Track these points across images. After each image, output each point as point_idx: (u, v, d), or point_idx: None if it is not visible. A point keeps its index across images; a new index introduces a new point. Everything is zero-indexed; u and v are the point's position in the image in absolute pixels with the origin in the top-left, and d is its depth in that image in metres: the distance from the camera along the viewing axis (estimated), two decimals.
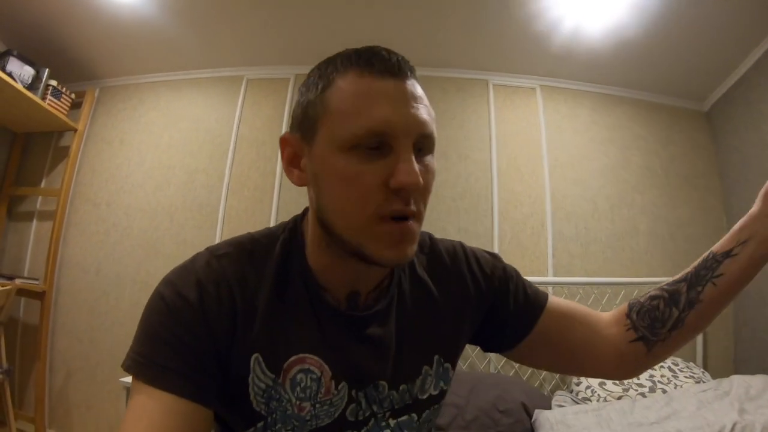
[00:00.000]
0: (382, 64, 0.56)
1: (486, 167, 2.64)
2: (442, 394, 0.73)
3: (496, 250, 2.49)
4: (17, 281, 2.41)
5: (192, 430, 0.53)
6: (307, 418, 0.62)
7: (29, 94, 2.51)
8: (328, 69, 0.59)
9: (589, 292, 2.40)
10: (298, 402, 0.61)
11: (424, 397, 0.70)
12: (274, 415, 0.61)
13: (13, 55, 2.47)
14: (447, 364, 0.72)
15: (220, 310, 0.58)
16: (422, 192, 0.57)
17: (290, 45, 2.61)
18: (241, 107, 2.83)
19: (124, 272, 2.69)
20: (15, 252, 2.91)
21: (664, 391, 1.92)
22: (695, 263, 0.68)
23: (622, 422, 1.63)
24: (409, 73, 0.57)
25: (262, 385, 0.60)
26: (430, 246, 0.77)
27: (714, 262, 0.66)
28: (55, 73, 2.73)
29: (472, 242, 2.28)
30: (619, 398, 1.93)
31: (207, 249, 0.64)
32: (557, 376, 2.32)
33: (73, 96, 2.86)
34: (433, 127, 0.58)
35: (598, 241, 2.57)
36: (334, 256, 0.62)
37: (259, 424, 0.61)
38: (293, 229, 0.69)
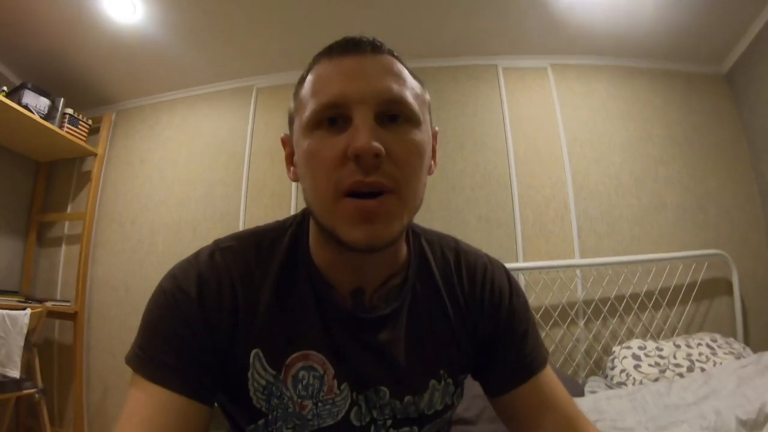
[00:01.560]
0: (342, 47, 0.56)
1: (503, 153, 2.58)
2: (447, 408, 0.68)
3: (519, 237, 2.42)
4: (48, 304, 2.44)
5: (186, 426, 0.51)
6: (309, 417, 0.60)
7: (47, 123, 2.56)
8: (307, 68, 0.61)
9: (618, 272, 2.30)
10: (299, 400, 0.60)
11: (430, 412, 0.66)
12: (275, 413, 0.59)
13: (28, 88, 2.52)
14: (449, 380, 0.67)
15: (220, 305, 0.57)
16: (397, 163, 0.52)
17: (295, 50, 2.60)
18: (253, 116, 2.84)
19: (151, 288, 2.60)
20: (47, 276, 2.97)
21: (703, 370, 1.82)
22: None
23: (659, 405, 1.54)
24: (369, 49, 0.56)
25: (263, 381, 0.59)
26: (456, 253, 0.72)
27: None
28: (71, 102, 2.80)
29: (494, 231, 2.25)
30: (656, 380, 1.82)
31: (214, 241, 0.64)
32: (591, 362, 2.23)
33: (90, 122, 2.92)
34: (406, 94, 0.55)
35: (625, 218, 2.47)
36: (333, 251, 0.60)
37: (260, 422, 0.60)
38: (301, 222, 0.67)
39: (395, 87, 0.54)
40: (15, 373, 2.01)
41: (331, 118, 0.53)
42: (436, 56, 2.63)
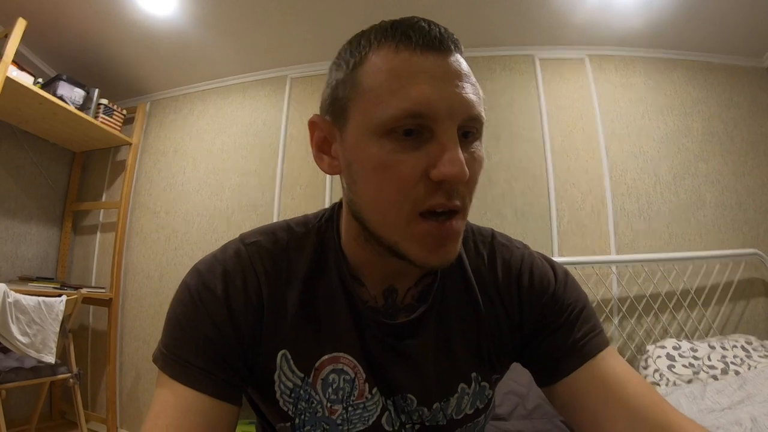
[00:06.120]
0: (421, 37, 0.47)
1: (539, 146, 2.45)
2: (478, 412, 0.62)
3: (554, 232, 2.31)
4: (84, 290, 2.43)
5: (213, 427, 0.49)
6: (339, 421, 0.56)
7: (82, 114, 2.54)
8: (360, 44, 0.51)
9: (654, 270, 2.19)
10: (329, 404, 0.56)
11: (459, 417, 0.61)
12: (302, 416, 0.56)
13: (63, 79, 2.50)
14: (484, 383, 0.61)
15: (246, 303, 0.54)
16: (468, 184, 0.48)
17: (329, 39, 2.50)
18: (287, 106, 2.77)
19: None
20: (82, 264, 2.96)
21: (737, 373, 1.72)
22: None
23: (692, 408, 1.46)
24: (452, 47, 0.48)
25: (290, 384, 0.55)
26: (490, 248, 0.65)
27: None
28: (106, 92, 2.77)
29: (530, 225, 2.11)
30: (689, 381, 1.74)
31: (239, 236, 0.60)
32: (625, 359, 2.09)
33: (124, 112, 2.89)
34: (481, 109, 0.49)
35: (662, 214, 2.34)
36: (372, 251, 0.55)
37: (287, 424, 0.57)
38: (330, 218, 0.62)
39: (476, 100, 0.48)
40: (50, 358, 2.00)
41: (410, 128, 0.46)
42: (471, 45, 2.51)
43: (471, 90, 0.47)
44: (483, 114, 0.49)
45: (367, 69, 0.48)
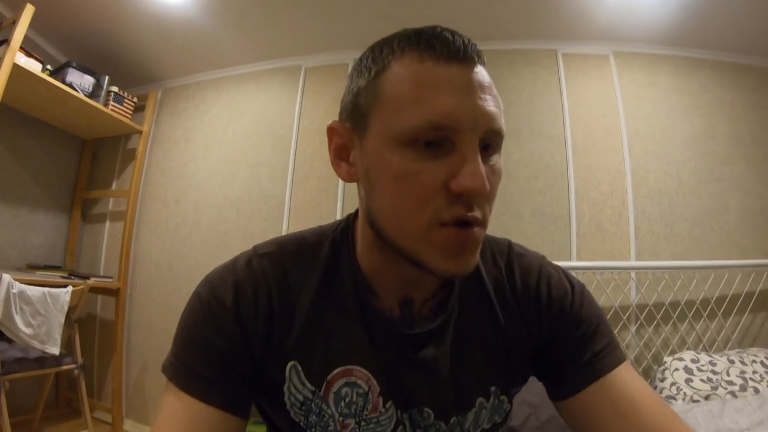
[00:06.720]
0: (445, 47, 0.46)
1: (560, 143, 2.37)
2: (495, 427, 0.61)
3: (574, 234, 2.23)
4: (91, 280, 2.41)
5: None
6: None
7: (91, 101, 2.50)
8: (382, 51, 0.50)
9: (675, 277, 2.11)
10: (341, 418, 0.55)
11: None
12: (313, 430, 0.55)
13: (72, 66, 2.45)
14: (503, 397, 0.60)
15: (256, 314, 0.54)
16: (488, 195, 0.48)
17: (345, 29, 2.46)
18: (301, 97, 2.70)
19: (195, 266, 2.62)
20: (90, 252, 2.93)
21: (756, 390, 1.67)
22: None
23: (710, 427, 1.41)
24: (476, 58, 0.48)
25: (300, 397, 0.55)
26: (507, 258, 0.64)
27: None
28: (116, 80, 2.72)
29: (548, 226, 2.01)
30: (707, 397, 1.68)
31: (253, 247, 0.60)
32: (640, 370, 2.05)
33: (135, 100, 2.83)
34: (503, 122, 0.48)
35: (685, 219, 2.26)
36: (388, 259, 0.55)
37: None
38: (345, 229, 0.61)
39: (497, 113, 0.47)
40: (55, 350, 1.99)
41: (432, 139, 0.45)
42: (493, 38, 2.44)
43: (493, 102, 0.47)
44: (504, 127, 0.48)
45: (390, 77, 0.48)
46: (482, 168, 0.45)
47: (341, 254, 0.59)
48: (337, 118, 0.55)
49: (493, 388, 0.59)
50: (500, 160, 0.50)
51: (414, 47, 0.47)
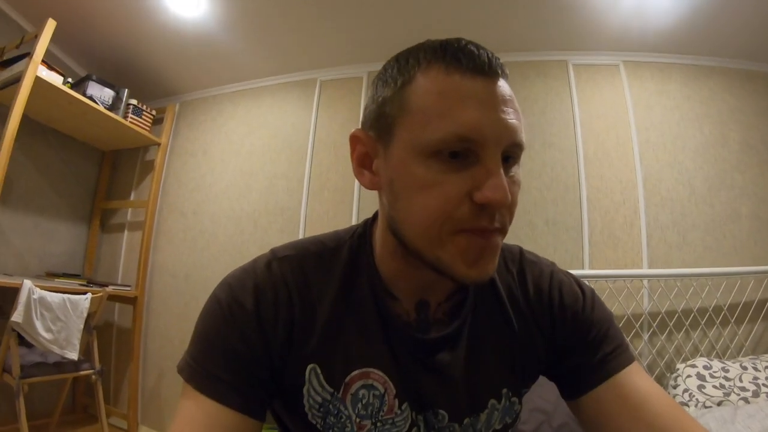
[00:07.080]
0: (471, 61, 0.47)
1: (572, 154, 2.39)
2: (506, 427, 0.63)
3: (586, 243, 2.24)
4: (109, 288, 2.45)
5: None
6: None
7: (111, 114, 2.56)
8: (408, 63, 0.51)
9: (687, 285, 2.10)
10: (358, 419, 0.56)
11: None
12: (331, 431, 0.56)
13: (93, 80, 2.51)
14: (514, 398, 0.62)
15: (276, 317, 0.54)
16: (509, 206, 0.50)
17: (360, 43, 2.50)
18: (317, 109, 2.74)
19: (211, 277, 2.66)
20: (109, 261, 2.97)
21: None
22: None
23: None
24: (499, 72, 0.49)
25: (319, 399, 0.55)
26: (519, 265, 0.66)
27: None
28: (135, 93, 2.79)
29: (561, 235, 2.01)
30: (719, 404, 1.67)
31: (271, 250, 0.60)
32: (653, 377, 2.01)
33: (154, 112, 2.90)
34: (523, 135, 0.50)
35: (697, 227, 2.25)
36: (409, 265, 0.56)
37: None
38: (362, 234, 0.62)
39: (519, 126, 0.48)
40: (73, 355, 2.02)
41: (456, 150, 0.47)
42: (504, 50, 2.47)
43: (515, 116, 0.48)
44: (524, 140, 0.50)
45: (416, 89, 0.48)
46: (505, 180, 0.46)
47: (360, 259, 0.60)
48: (352, 130, 0.56)
49: (504, 390, 0.60)
50: (519, 171, 0.52)
51: (440, 60, 0.48)
